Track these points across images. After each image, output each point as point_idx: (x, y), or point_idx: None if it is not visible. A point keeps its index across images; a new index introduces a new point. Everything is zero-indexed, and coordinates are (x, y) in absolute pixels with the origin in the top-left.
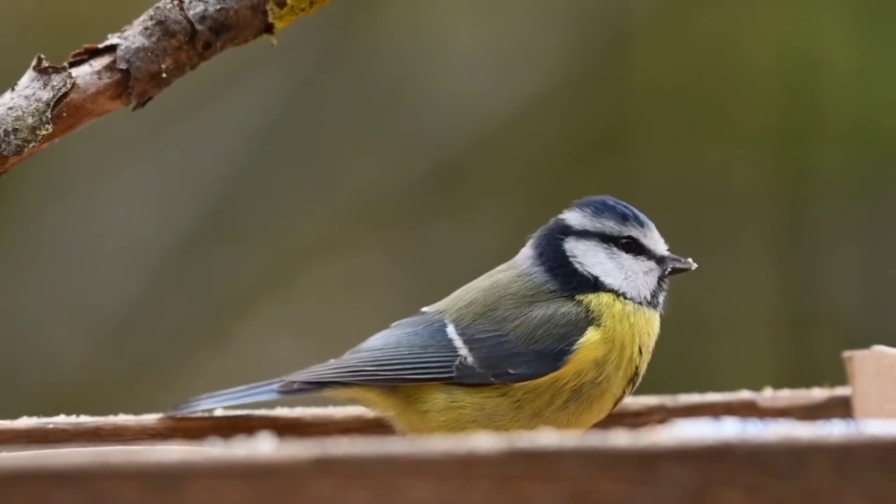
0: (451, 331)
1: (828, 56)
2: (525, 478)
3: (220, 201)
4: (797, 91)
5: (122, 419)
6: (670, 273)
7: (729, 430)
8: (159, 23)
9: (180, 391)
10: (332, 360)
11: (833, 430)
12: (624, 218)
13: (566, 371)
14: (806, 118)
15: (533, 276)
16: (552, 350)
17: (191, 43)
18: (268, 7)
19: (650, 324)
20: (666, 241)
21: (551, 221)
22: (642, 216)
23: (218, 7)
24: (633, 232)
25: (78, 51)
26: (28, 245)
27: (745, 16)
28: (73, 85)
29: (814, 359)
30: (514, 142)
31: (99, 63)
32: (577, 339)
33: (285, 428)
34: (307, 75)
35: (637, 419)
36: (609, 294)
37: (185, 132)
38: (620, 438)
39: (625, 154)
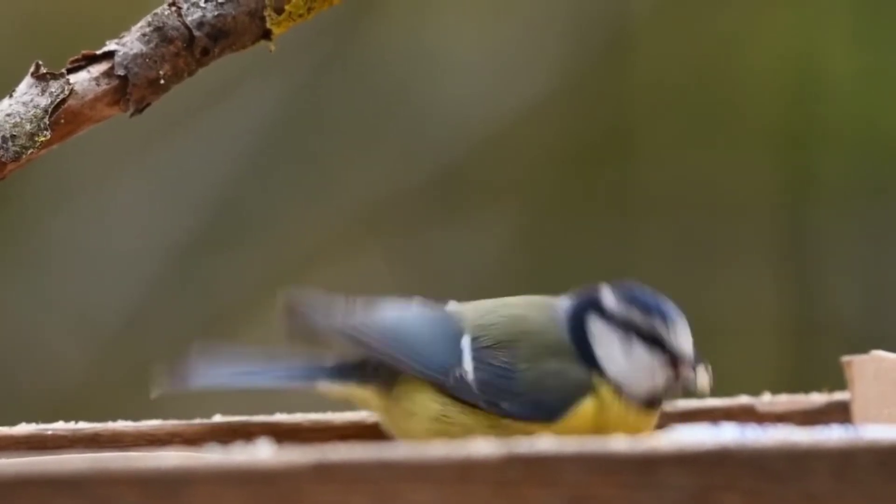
0: (465, 342)
1: (830, 58)
2: (524, 483)
3: (220, 207)
4: (799, 94)
5: (121, 425)
6: (677, 380)
7: (728, 435)
8: (157, 29)
9: (181, 398)
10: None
11: (832, 434)
12: (648, 309)
13: (555, 430)
14: (808, 122)
15: (560, 330)
16: (552, 404)
17: (189, 49)
18: (266, 13)
19: (643, 425)
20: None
21: (591, 291)
22: (670, 310)
23: (216, 13)
24: (657, 323)
25: (76, 57)
26: (27, 251)
27: (746, 19)
28: (72, 91)
29: (813, 364)
30: (516, 146)
31: (97, 69)
32: (576, 404)
33: (284, 433)
34: (307, 81)
35: None
36: (608, 387)
37: (184, 138)
38: (620, 444)
39: (626, 158)
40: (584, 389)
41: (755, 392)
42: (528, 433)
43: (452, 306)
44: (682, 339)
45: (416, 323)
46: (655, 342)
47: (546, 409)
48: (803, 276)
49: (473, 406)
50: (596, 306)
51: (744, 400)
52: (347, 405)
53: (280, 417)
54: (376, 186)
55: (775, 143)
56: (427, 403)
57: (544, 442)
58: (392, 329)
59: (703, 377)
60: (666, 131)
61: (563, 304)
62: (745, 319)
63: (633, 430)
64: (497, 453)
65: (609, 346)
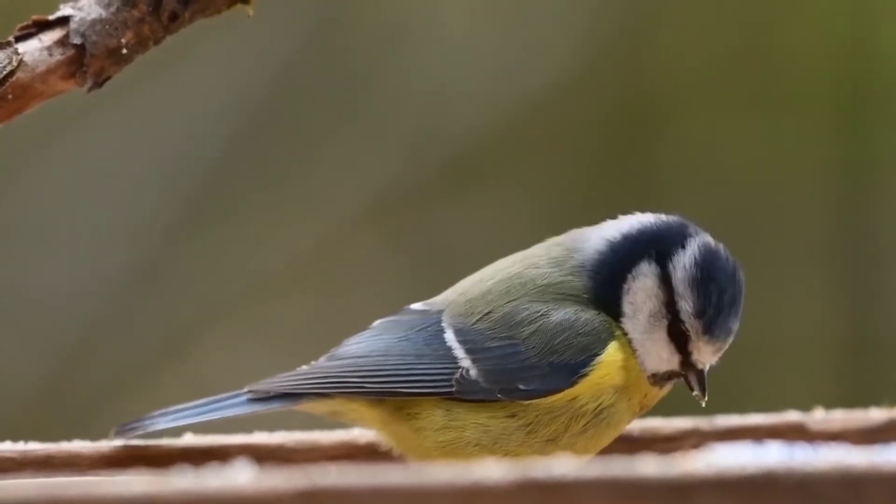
0: (449, 336)
1: (886, 25)
2: None
3: (199, 189)
4: (855, 63)
5: (77, 446)
6: (678, 379)
7: (773, 456)
8: None
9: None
10: (303, 367)
11: (893, 456)
12: (703, 309)
13: (584, 389)
14: (866, 98)
15: (574, 263)
16: (570, 363)
17: (155, 14)
18: None
19: (654, 394)
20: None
21: (656, 224)
22: (723, 316)
23: None
24: (695, 326)
25: (25, 24)
26: None
27: None
28: (20, 63)
29: (872, 377)
30: (532, 125)
31: (49, 37)
32: (599, 353)
33: (265, 455)
34: (301, 52)
35: (668, 444)
36: (624, 339)
37: (147, 104)
38: (649, 466)
39: (653, 138)
40: (603, 333)
41: (805, 407)
42: (552, 409)
43: (419, 305)
44: (707, 350)
45: (389, 343)
46: (683, 338)
47: (564, 371)
48: (860, 277)
49: (483, 400)
50: (656, 257)
51: (792, 416)
52: (337, 423)
53: (260, 437)
54: (382, 168)
55: (828, 122)
56: (430, 414)
57: (562, 465)
58: (365, 359)
59: (699, 395)
60: (699, 109)
61: (605, 232)
62: (792, 324)
63: (645, 394)
64: (508, 478)
65: (640, 311)
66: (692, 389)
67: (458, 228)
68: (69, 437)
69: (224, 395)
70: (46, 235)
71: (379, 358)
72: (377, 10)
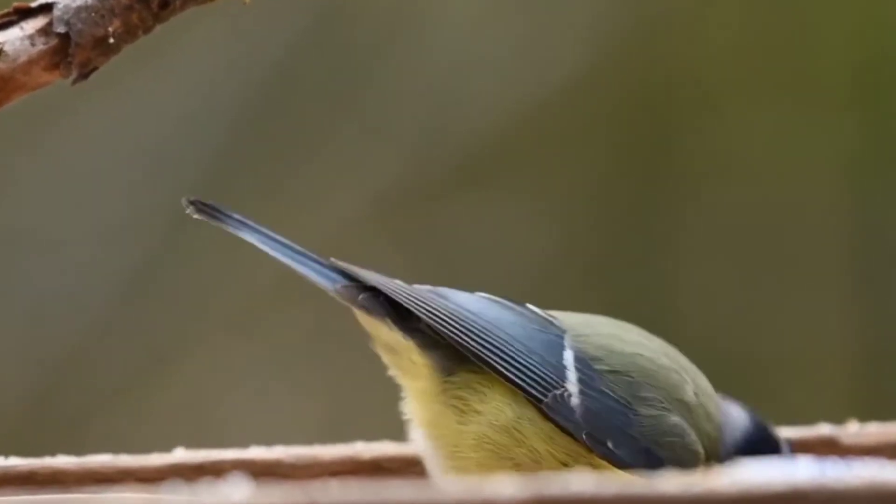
0: (568, 357)
1: None
2: None
3: (189, 183)
4: (879, 56)
5: (62, 461)
6: None
7: (803, 471)
8: None
9: (134, 428)
10: (398, 281)
11: None
12: None
13: None
14: (889, 93)
15: (715, 416)
16: (660, 460)
17: (144, 1)
18: None
19: None
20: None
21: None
22: None
23: None
24: None
25: (6, 11)
26: None
27: None
28: (0, 52)
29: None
30: (544, 123)
31: (32, 25)
32: (688, 471)
33: (262, 471)
34: (294, 42)
35: None
36: None
37: (136, 99)
38: (671, 483)
39: (660, 138)
40: (698, 461)
41: (836, 420)
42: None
43: (537, 308)
44: None
45: (502, 318)
46: None
47: (654, 462)
48: (885, 278)
49: (560, 430)
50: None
51: (824, 430)
52: (337, 436)
53: (256, 451)
54: (386, 166)
55: (849, 115)
56: (500, 406)
57: (580, 480)
58: (474, 316)
59: None
60: (716, 105)
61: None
62: (821, 333)
63: None
64: (522, 494)
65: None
66: None
67: (465, 229)
68: (60, 448)
69: (310, 253)
70: (34, 240)
71: (488, 324)
72: (381, 2)
